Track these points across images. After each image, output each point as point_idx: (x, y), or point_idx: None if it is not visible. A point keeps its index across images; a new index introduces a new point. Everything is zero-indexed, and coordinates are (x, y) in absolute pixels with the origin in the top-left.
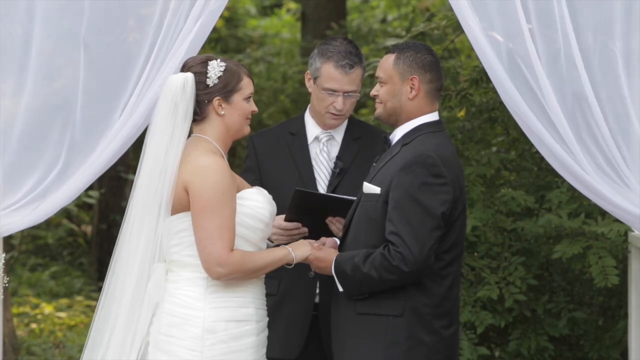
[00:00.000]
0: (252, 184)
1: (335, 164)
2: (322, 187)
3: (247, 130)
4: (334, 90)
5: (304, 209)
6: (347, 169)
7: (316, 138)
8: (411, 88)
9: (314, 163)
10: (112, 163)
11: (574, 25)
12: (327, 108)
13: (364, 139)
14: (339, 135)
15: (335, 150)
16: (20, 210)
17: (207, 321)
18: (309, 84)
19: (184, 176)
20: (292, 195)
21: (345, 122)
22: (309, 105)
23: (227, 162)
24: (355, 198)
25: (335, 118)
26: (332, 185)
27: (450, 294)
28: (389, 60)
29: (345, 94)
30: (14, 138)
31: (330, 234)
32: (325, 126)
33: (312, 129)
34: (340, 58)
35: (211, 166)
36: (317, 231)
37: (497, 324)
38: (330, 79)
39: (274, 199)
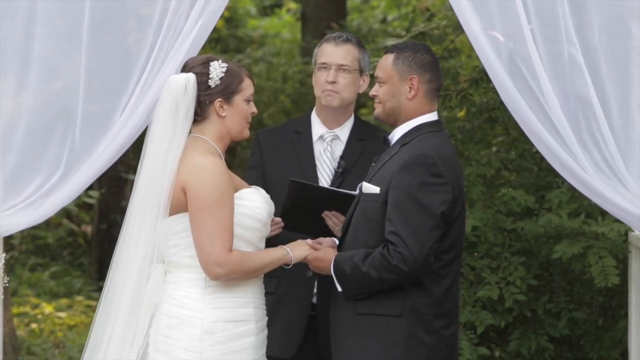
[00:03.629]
0: (256, 181)
1: (339, 163)
2: (324, 186)
3: (246, 133)
4: (325, 63)
5: (300, 202)
6: (350, 169)
7: (321, 137)
8: (410, 88)
9: (317, 162)
10: (113, 163)
11: (577, 25)
12: (322, 86)
13: (368, 140)
14: (343, 135)
15: (339, 150)
16: (22, 210)
17: (205, 322)
18: (314, 78)
19: (182, 176)
20: (288, 185)
21: (351, 123)
22: (315, 106)
23: (224, 162)
24: (352, 192)
25: (328, 94)
26: (335, 185)
27: (450, 293)
28: (387, 60)
29: (337, 68)
30: (16, 139)
31: (328, 229)
32: (324, 111)
33: (317, 128)
34: (334, 36)
35: (208, 166)
36: (315, 227)
37: (497, 324)
38: (322, 53)
39: (277, 196)
